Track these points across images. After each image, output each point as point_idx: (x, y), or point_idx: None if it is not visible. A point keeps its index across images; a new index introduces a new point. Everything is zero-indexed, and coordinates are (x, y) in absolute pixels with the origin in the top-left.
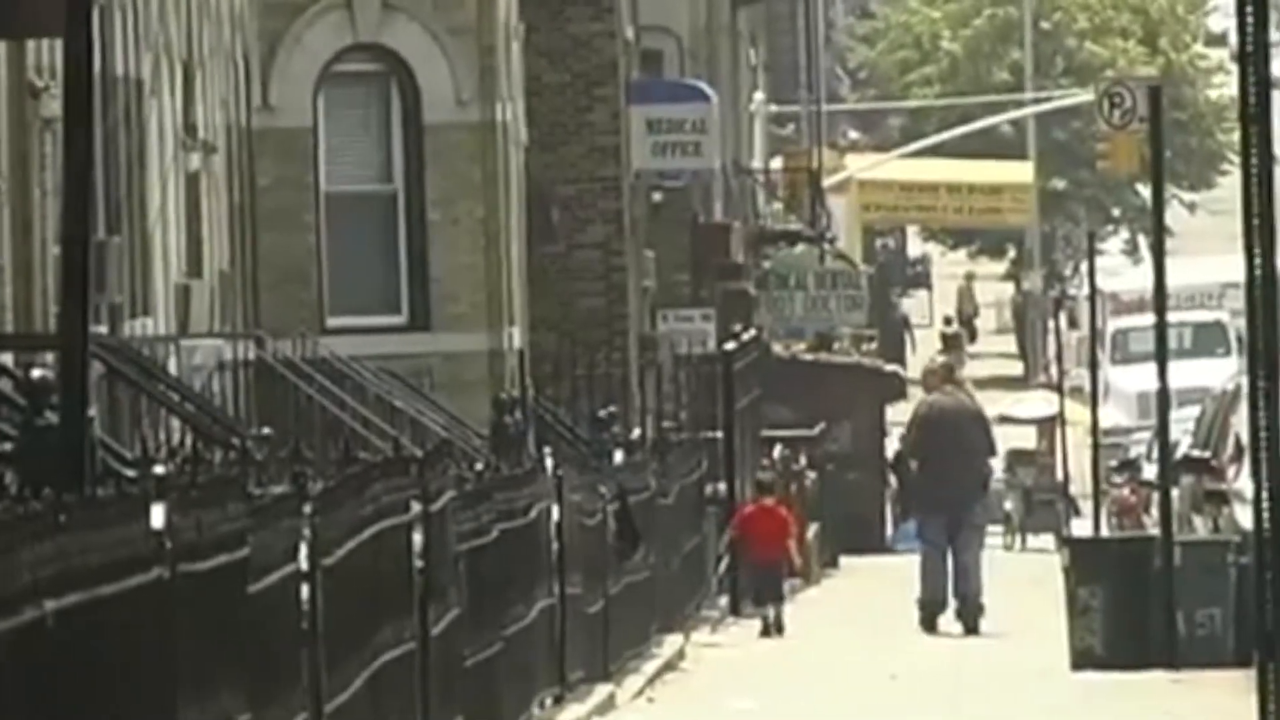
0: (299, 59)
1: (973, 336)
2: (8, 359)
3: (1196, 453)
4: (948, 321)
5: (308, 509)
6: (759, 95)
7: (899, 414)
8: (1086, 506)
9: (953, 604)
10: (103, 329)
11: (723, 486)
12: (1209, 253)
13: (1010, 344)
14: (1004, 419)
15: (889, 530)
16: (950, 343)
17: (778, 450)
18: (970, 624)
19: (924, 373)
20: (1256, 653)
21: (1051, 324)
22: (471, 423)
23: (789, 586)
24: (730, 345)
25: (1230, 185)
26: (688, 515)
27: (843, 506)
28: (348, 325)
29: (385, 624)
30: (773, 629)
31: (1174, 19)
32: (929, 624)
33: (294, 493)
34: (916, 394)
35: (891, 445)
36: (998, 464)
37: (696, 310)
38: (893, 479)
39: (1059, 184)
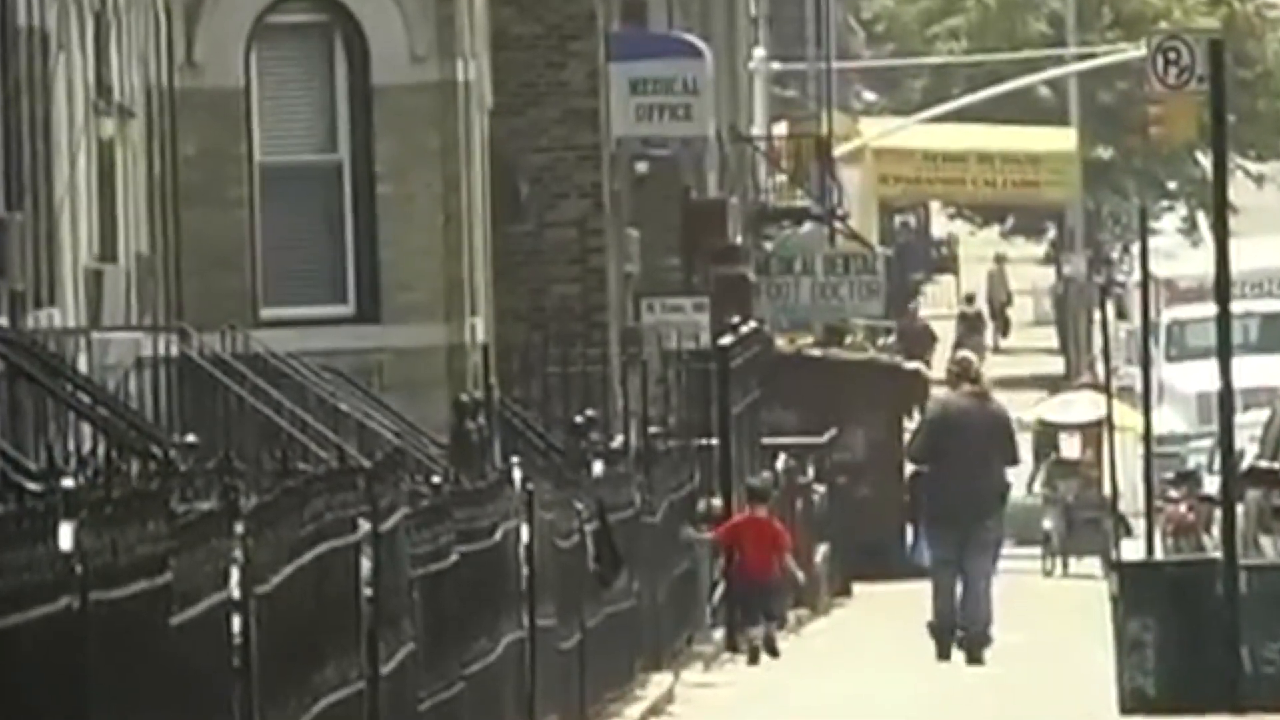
0: (228, 9)
1: (1005, 329)
2: None
3: (1264, 463)
4: (969, 300)
5: (239, 528)
6: (759, 51)
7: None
8: (1138, 525)
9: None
10: (2, 320)
11: (718, 502)
12: (1279, 232)
13: (1049, 338)
14: (1043, 424)
15: (910, 545)
16: (971, 324)
17: (781, 460)
18: (974, 654)
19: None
20: None
21: (1097, 315)
22: (428, 428)
23: (795, 618)
24: (726, 340)
25: None
26: (678, 535)
27: (856, 526)
28: (285, 316)
29: (329, 660)
30: (761, 651)
31: None
32: (943, 653)
33: (224, 509)
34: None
35: None
36: (1039, 477)
37: (688, 299)
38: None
39: (1105, 153)
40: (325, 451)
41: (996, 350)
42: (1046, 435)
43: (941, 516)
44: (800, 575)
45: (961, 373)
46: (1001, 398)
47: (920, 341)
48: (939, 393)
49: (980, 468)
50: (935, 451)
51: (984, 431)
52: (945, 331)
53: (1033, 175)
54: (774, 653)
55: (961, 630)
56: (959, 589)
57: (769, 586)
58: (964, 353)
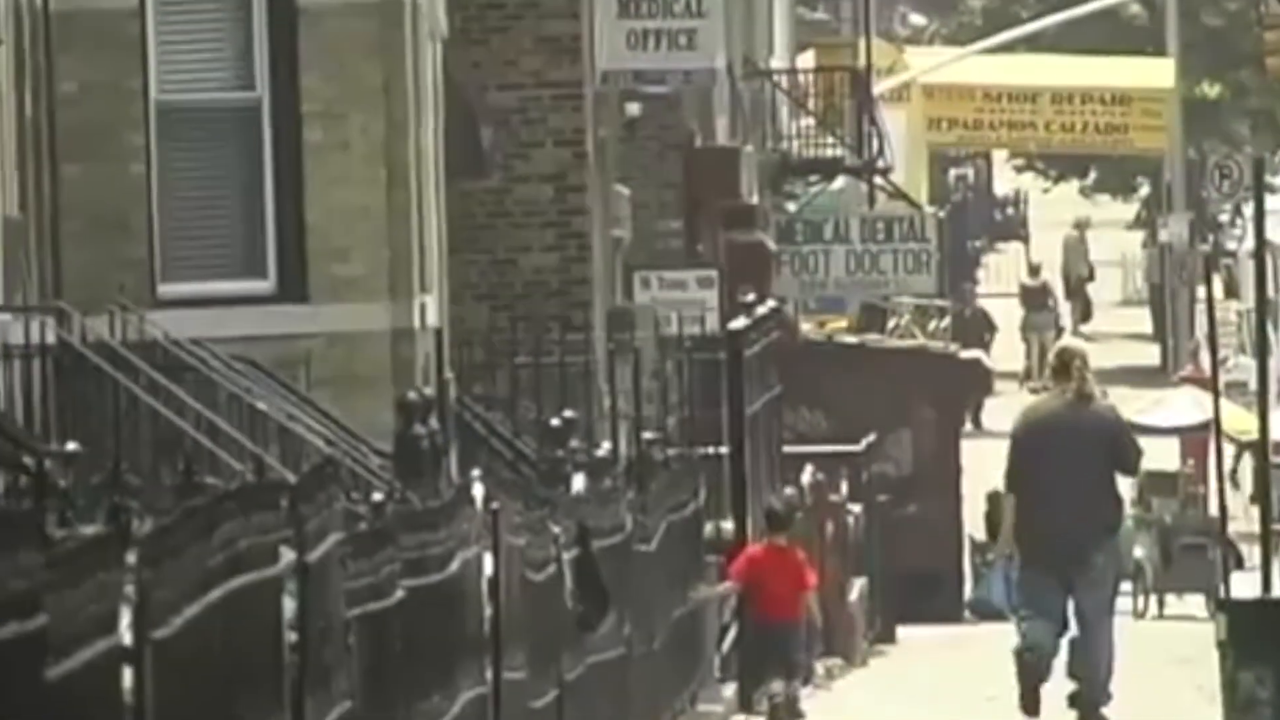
0: None
1: (1085, 311)
2: None
3: None
4: (1033, 271)
5: (132, 558)
6: None
7: (987, 418)
8: (1252, 554)
9: (1067, 685)
10: None
11: (729, 525)
12: None
13: (1141, 321)
14: (1134, 428)
15: (967, 588)
16: (1033, 300)
17: (807, 473)
18: (1088, 713)
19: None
20: None
21: (1201, 292)
22: (367, 434)
23: (824, 669)
24: (739, 323)
25: None
26: (679, 567)
27: (902, 555)
28: (190, 294)
29: None
30: (782, 712)
31: None
32: (1029, 683)
33: (112, 535)
34: (1007, 394)
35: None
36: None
37: (691, 272)
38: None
39: (1211, 90)
40: (240, 462)
41: (1075, 335)
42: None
43: (1034, 556)
44: (819, 619)
45: (1061, 367)
46: None
47: (974, 331)
48: (1032, 400)
49: (1080, 491)
50: (1021, 474)
51: (1083, 444)
52: (1012, 313)
53: (1121, 118)
54: (796, 715)
55: (1074, 683)
56: (1064, 635)
57: (792, 632)
58: (1068, 340)
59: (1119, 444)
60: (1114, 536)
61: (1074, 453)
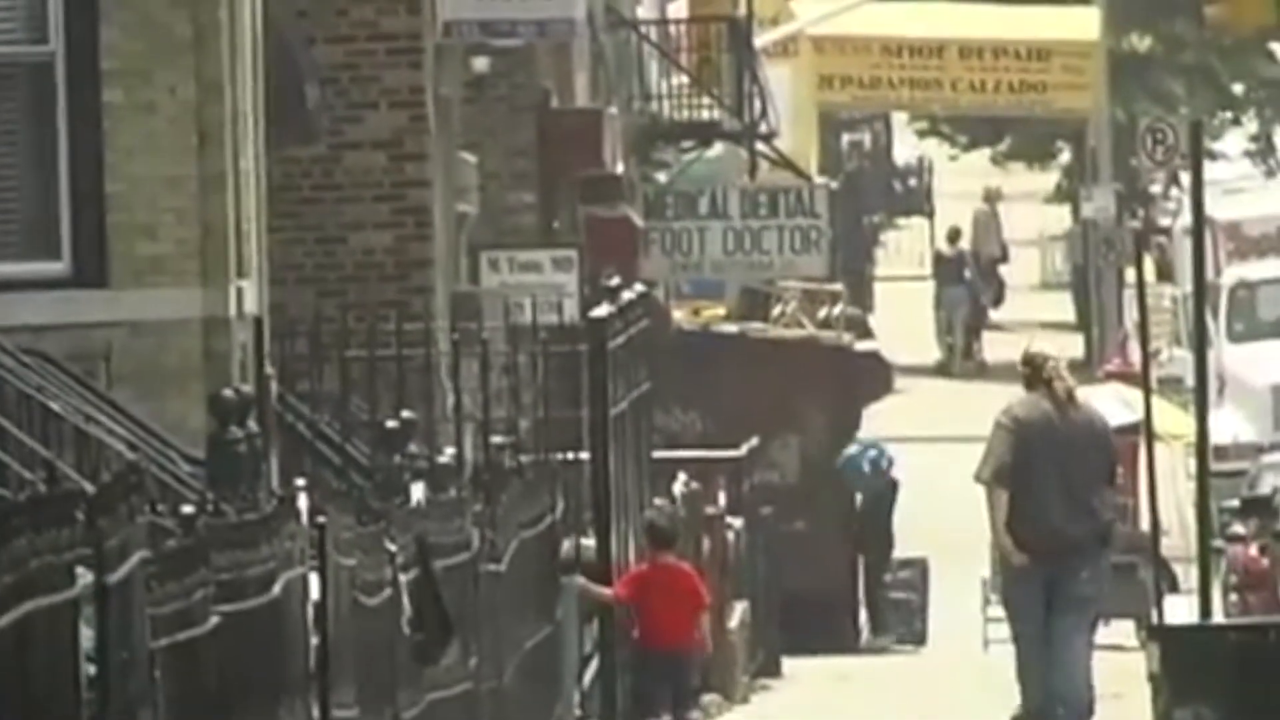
0: None
1: (998, 296)
2: None
3: None
4: (952, 238)
5: None
6: None
7: (885, 421)
8: (1188, 574)
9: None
10: None
11: (590, 541)
12: None
13: (1062, 307)
14: None
15: (863, 614)
16: (948, 271)
17: (680, 482)
18: None
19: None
20: None
21: (1130, 275)
22: (176, 437)
23: (707, 703)
24: (603, 310)
25: None
26: (533, 590)
27: (790, 576)
28: None
29: None
30: None
31: None
32: None
33: None
34: (909, 389)
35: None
36: None
37: (546, 252)
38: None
39: (1141, 43)
40: (29, 470)
41: (985, 326)
42: None
43: (1021, 569)
44: (708, 642)
45: (1034, 374)
46: (994, 392)
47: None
48: (1017, 400)
49: (1071, 499)
50: (1011, 477)
51: (1074, 450)
52: (915, 297)
53: (1039, 75)
54: None
55: (1060, 708)
56: (1048, 659)
57: (684, 660)
58: (1037, 345)
59: (1112, 451)
60: (1104, 548)
61: (1061, 461)
